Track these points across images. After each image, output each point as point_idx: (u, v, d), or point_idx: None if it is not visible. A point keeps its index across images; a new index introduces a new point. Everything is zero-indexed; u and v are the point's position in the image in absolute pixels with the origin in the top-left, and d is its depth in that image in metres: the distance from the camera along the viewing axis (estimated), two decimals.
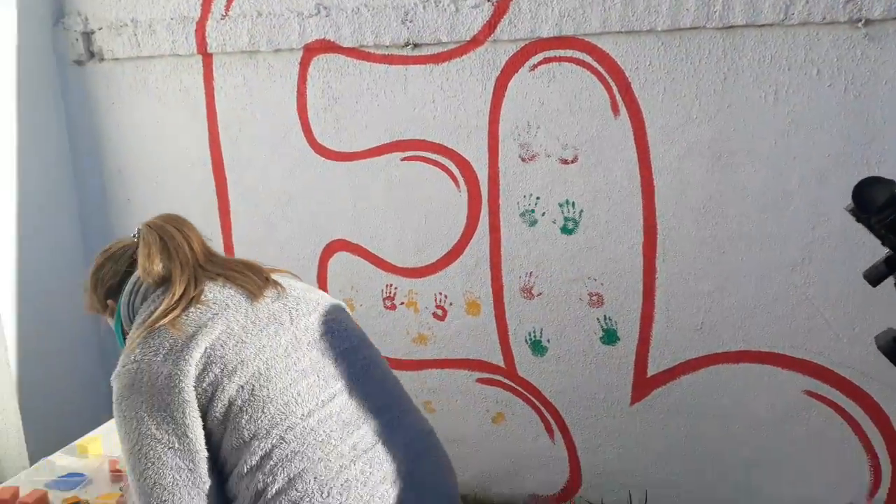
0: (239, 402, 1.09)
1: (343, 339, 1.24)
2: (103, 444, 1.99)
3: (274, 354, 1.14)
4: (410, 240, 2.50)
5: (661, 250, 2.22)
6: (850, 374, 2.11)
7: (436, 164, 2.39)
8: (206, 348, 1.11)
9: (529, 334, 2.44)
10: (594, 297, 2.32)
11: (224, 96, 2.56)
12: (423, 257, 2.50)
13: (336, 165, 2.51)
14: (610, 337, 2.34)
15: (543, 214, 2.31)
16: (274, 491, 1.07)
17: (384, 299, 2.58)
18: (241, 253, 2.74)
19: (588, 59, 2.14)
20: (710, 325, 2.23)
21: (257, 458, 1.09)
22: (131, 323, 1.25)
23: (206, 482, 1.11)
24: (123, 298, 1.28)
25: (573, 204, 2.27)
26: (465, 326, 2.52)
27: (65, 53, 2.69)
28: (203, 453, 1.10)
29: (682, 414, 2.32)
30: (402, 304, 2.58)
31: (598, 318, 2.34)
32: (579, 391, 2.43)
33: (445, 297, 2.52)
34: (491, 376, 2.53)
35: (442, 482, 1.24)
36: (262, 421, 1.09)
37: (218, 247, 2.83)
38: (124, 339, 1.29)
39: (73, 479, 1.83)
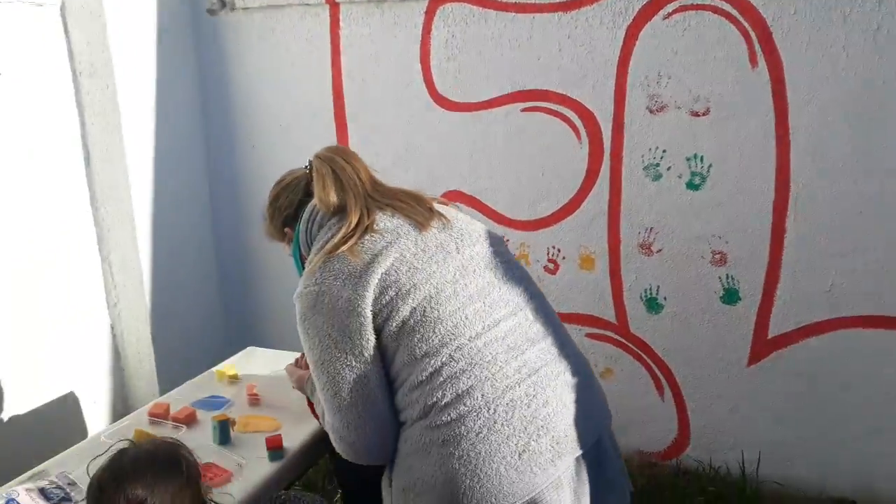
0: (411, 322, 1.16)
1: (505, 270, 1.27)
2: (239, 371, 2.12)
3: (443, 280, 1.19)
4: (526, 192, 2.51)
5: (792, 208, 2.15)
6: None
7: (557, 115, 2.38)
8: (381, 274, 1.17)
9: (645, 291, 2.42)
10: (717, 256, 2.28)
11: (349, 46, 2.61)
12: (538, 210, 2.51)
13: (455, 116, 2.53)
14: (731, 296, 2.30)
15: (669, 169, 2.27)
16: (443, 404, 1.13)
17: None
18: None
19: (727, 6, 2.07)
20: (839, 287, 2.16)
21: (427, 373, 1.15)
22: (309, 248, 1.33)
23: (378, 395, 1.18)
24: (301, 226, 1.35)
25: (701, 158, 2.22)
26: (578, 281, 2.52)
27: (199, 3, 2.79)
28: (376, 370, 1.17)
29: (802, 377, 2.27)
30: (514, 256, 2.59)
31: (719, 277, 2.30)
32: (694, 350, 2.40)
33: (558, 250, 2.52)
34: (601, 332, 2.54)
35: (598, 412, 1.27)
36: (432, 340, 1.15)
37: None
38: (302, 263, 1.36)
39: (217, 401, 1.96)
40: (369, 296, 1.15)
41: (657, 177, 2.30)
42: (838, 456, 2.29)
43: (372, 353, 1.16)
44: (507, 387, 1.15)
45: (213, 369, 2.17)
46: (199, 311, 3.06)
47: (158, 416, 1.84)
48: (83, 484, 1.55)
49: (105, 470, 1.07)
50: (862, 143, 2.03)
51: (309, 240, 1.34)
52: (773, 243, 2.20)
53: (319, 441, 1.79)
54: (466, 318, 1.18)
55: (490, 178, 2.54)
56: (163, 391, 2.87)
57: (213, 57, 2.85)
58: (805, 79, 2.04)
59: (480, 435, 1.12)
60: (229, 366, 2.15)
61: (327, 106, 2.73)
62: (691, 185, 2.26)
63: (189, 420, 1.83)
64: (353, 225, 1.23)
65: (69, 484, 1.55)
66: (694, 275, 2.34)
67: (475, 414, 1.12)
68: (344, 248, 1.20)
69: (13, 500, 1.45)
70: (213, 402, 1.95)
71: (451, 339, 1.16)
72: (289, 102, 2.80)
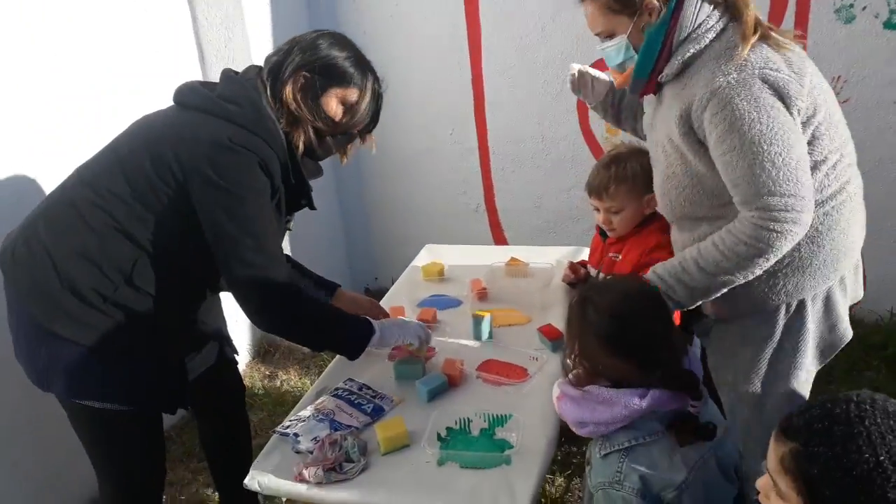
0: (822, 128, 1.25)
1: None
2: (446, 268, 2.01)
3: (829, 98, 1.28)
4: None
5: None
6: None
7: None
8: (807, 82, 1.20)
9: None
10: None
11: None
12: None
13: None
14: None
15: (864, 8, 2.11)
16: (834, 191, 1.28)
17: None
18: (490, 85, 2.62)
19: None
20: None
21: (828, 166, 1.28)
22: (686, 35, 1.24)
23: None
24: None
25: None
26: None
27: None
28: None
29: None
30: None
31: None
32: (876, 202, 2.33)
33: None
34: None
35: None
36: (835, 141, 1.28)
37: (466, 78, 2.70)
38: (663, 45, 1.26)
39: (442, 299, 1.85)
40: (804, 92, 1.19)
41: (850, 19, 2.14)
42: None
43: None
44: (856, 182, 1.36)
45: (415, 265, 2.05)
46: (324, 233, 2.90)
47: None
48: (379, 388, 1.45)
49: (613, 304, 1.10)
50: None
51: (694, 23, 1.24)
52: None
53: None
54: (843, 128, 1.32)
55: None
56: None
57: None
58: None
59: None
60: (433, 262, 2.02)
61: None
62: (890, 25, 2.11)
63: (434, 319, 1.72)
64: (752, 19, 1.21)
65: (364, 388, 1.44)
66: (882, 125, 2.23)
67: (850, 199, 1.30)
68: (770, 40, 1.21)
69: (332, 419, 1.33)
70: (441, 301, 1.84)
71: (842, 143, 1.29)
72: None
